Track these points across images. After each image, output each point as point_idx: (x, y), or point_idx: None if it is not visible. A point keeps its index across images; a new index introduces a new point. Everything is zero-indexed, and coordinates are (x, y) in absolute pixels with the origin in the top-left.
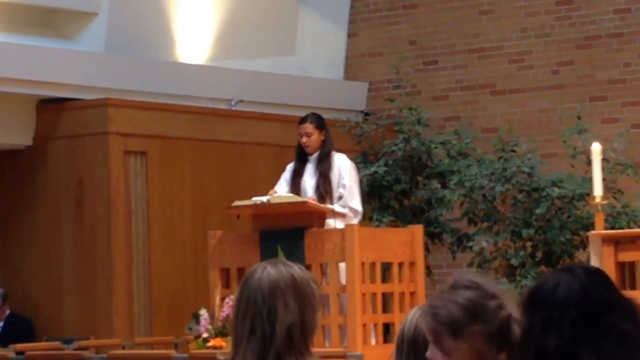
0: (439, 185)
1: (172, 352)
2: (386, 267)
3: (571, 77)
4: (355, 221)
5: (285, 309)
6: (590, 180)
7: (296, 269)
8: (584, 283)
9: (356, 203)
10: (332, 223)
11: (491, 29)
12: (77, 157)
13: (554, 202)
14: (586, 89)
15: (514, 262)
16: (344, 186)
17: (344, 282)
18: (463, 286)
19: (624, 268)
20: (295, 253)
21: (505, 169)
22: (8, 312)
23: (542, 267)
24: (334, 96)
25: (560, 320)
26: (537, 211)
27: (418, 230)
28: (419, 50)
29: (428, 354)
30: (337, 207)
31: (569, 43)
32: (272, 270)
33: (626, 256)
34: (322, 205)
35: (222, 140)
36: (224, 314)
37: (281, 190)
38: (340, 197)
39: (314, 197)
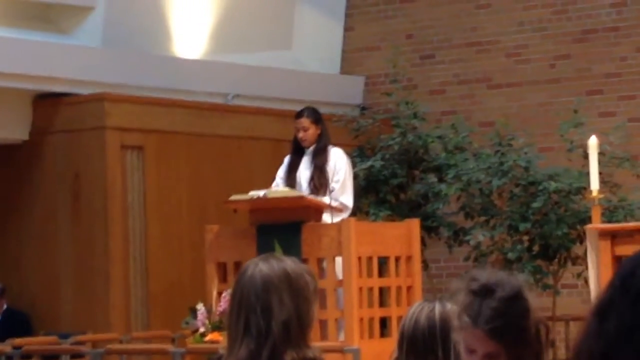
0: (435, 179)
1: (169, 347)
2: (383, 262)
3: (568, 71)
4: (344, 216)
5: (280, 305)
6: (587, 174)
7: (289, 263)
8: None
9: (347, 198)
10: (328, 218)
11: (488, 22)
12: (73, 151)
13: (551, 196)
14: (583, 82)
15: (510, 256)
16: (337, 181)
17: (340, 276)
18: None
19: (621, 262)
20: (292, 247)
21: (502, 163)
22: (5, 306)
23: (539, 261)
24: (330, 90)
25: (620, 304)
26: (534, 205)
27: (415, 224)
28: (416, 44)
29: None
30: (332, 202)
31: (566, 37)
32: (264, 267)
33: (623, 250)
34: (318, 198)
35: (219, 135)
36: (221, 309)
37: (277, 185)
38: (332, 191)
39: (308, 190)
